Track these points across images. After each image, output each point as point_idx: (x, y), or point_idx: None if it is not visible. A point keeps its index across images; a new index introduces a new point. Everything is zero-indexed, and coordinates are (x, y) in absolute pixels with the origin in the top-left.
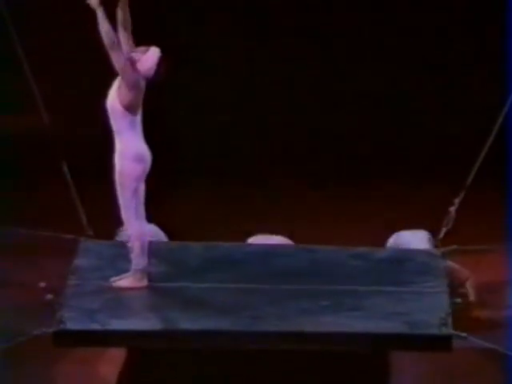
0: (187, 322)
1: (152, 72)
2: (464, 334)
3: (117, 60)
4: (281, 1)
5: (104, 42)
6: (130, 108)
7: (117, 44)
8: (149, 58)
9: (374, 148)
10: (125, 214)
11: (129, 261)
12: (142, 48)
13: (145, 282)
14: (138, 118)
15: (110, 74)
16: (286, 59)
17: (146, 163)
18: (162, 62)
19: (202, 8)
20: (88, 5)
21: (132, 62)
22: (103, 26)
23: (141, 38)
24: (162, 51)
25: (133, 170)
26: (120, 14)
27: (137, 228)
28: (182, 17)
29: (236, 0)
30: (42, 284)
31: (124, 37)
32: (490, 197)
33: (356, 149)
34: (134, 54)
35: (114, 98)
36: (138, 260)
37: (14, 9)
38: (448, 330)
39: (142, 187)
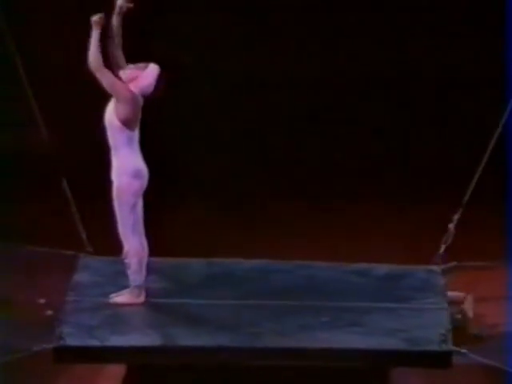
0: (187, 338)
1: (151, 89)
2: (464, 351)
3: (103, 80)
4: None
5: (89, 62)
6: (127, 123)
7: (102, 66)
8: (148, 74)
9: (373, 164)
10: (122, 229)
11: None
12: (141, 65)
13: (142, 299)
14: (136, 133)
15: None
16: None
17: (144, 179)
18: (160, 78)
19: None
20: (90, 20)
21: (122, 81)
22: (93, 47)
23: (139, 40)
24: (161, 64)
25: (130, 185)
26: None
27: (134, 244)
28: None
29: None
30: (42, 300)
31: (114, 57)
32: (489, 213)
33: (355, 164)
34: (131, 71)
35: (112, 114)
36: (135, 276)
37: (14, 23)
38: (448, 347)
39: (141, 203)
